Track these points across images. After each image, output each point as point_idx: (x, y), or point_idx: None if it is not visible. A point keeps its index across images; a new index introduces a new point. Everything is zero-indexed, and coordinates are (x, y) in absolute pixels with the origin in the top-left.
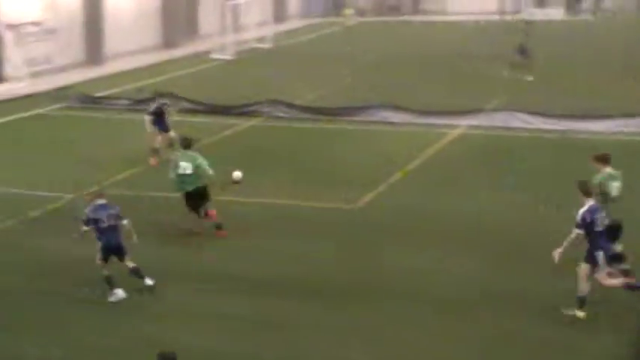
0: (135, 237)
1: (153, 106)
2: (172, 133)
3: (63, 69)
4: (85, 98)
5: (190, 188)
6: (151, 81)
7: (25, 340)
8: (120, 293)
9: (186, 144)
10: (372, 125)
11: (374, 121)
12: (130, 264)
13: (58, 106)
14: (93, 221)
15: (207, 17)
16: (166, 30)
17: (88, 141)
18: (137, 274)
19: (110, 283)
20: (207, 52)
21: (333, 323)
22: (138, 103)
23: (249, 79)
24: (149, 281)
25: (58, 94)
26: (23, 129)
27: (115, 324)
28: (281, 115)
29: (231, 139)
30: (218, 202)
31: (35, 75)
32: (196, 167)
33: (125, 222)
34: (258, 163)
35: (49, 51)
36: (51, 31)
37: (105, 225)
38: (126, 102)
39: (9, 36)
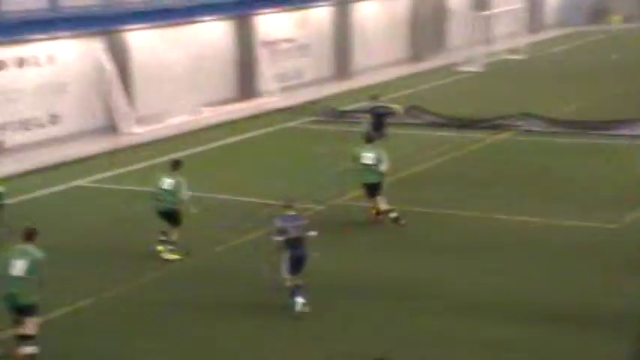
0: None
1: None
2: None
3: (313, 83)
4: (332, 112)
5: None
6: (397, 94)
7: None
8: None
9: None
10: (636, 140)
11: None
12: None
13: (307, 119)
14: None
15: (456, 29)
16: (414, 43)
17: (332, 153)
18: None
19: (293, 294)
20: (455, 65)
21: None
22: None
23: (498, 92)
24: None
25: (308, 108)
26: (273, 141)
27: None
28: (535, 129)
29: (477, 154)
30: (471, 217)
31: (287, 89)
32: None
33: (312, 234)
34: (507, 179)
35: (301, 66)
36: (303, 47)
37: (292, 236)
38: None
39: (264, 53)
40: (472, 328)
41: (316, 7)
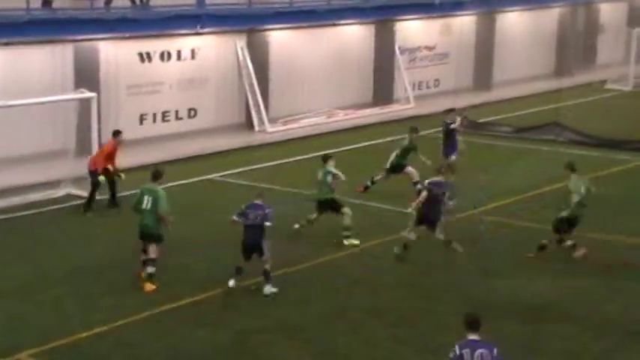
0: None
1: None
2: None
3: (451, 93)
4: (469, 123)
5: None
6: (537, 109)
7: None
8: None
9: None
10: None
11: None
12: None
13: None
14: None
15: (607, 45)
16: (560, 58)
17: (469, 165)
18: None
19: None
20: (603, 82)
21: None
22: (520, 132)
23: None
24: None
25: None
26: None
27: None
28: None
29: (618, 176)
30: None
31: (423, 97)
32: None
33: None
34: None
35: (439, 74)
36: (442, 56)
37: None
38: (508, 129)
39: (402, 59)
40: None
41: (459, 15)
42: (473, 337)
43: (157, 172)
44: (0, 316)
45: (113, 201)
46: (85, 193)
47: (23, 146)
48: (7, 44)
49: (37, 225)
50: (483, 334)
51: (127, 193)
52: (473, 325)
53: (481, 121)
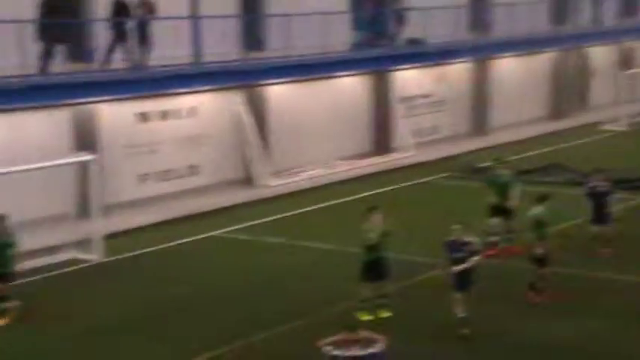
0: None
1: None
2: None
3: (449, 139)
4: (467, 168)
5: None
6: (536, 152)
7: None
8: None
9: None
10: None
11: None
12: None
13: (442, 175)
14: None
15: (600, 87)
16: (555, 101)
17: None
18: None
19: None
20: (598, 124)
21: None
22: (519, 175)
23: None
24: None
25: (444, 164)
26: (409, 196)
27: None
28: None
29: (620, 214)
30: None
31: (422, 145)
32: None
33: None
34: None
35: (437, 122)
36: (439, 103)
37: None
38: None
39: (400, 108)
40: None
41: (454, 62)
42: None
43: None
44: None
45: None
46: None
47: (24, 211)
48: (3, 111)
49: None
50: None
51: None
52: None
53: (480, 166)
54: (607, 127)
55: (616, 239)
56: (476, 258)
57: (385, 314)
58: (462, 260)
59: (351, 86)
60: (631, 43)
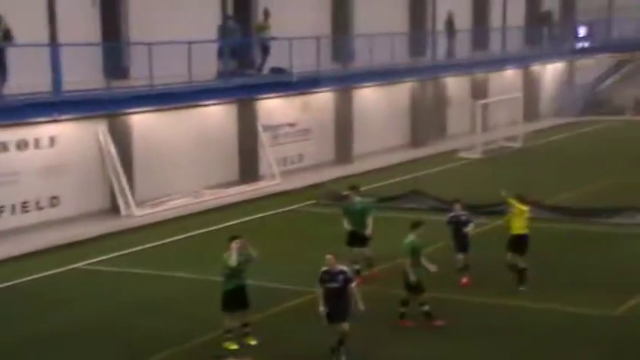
0: None
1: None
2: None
3: (314, 167)
4: (333, 195)
5: None
6: (398, 179)
7: None
8: None
9: None
10: (627, 228)
11: (630, 223)
12: None
13: (308, 202)
14: None
15: (456, 117)
16: (414, 130)
17: (334, 236)
18: None
19: None
20: (455, 151)
21: None
22: (383, 201)
23: (497, 179)
24: None
25: (310, 192)
26: (275, 224)
27: None
28: (531, 215)
29: (479, 239)
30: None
31: (288, 173)
32: None
33: None
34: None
35: (302, 150)
36: (304, 132)
37: None
38: (371, 199)
39: (265, 137)
40: None
41: (317, 92)
42: None
43: None
44: None
45: None
46: None
47: None
48: None
49: None
50: None
51: None
52: None
53: (345, 193)
54: (463, 154)
55: (472, 265)
56: (353, 285)
57: (252, 342)
58: (337, 290)
59: (217, 115)
60: (483, 74)
